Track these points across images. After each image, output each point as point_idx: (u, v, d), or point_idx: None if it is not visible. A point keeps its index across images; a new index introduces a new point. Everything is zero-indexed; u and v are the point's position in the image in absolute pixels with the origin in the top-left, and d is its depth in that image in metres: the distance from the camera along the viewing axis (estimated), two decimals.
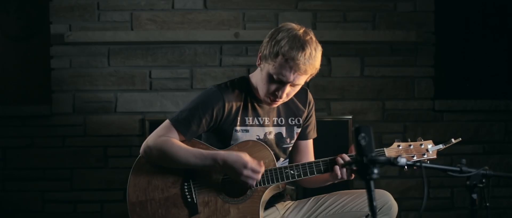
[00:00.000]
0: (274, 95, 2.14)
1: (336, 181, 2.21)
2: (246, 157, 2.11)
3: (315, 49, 2.09)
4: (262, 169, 2.13)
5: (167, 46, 3.47)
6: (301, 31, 2.10)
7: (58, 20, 3.46)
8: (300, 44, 2.05)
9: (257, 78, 2.21)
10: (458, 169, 1.67)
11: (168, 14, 3.48)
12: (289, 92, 2.15)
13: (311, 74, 2.14)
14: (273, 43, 2.09)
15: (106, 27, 3.46)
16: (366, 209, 2.20)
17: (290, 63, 2.05)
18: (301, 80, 2.12)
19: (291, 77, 2.08)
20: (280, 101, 2.19)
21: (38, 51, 3.61)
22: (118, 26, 3.46)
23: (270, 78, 2.11)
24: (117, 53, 3.46)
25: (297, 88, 2.19)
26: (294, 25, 2.13)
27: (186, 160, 2.14)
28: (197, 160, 2.13)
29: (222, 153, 2.13)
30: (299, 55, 2.04)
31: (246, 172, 2.10)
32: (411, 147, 2.21)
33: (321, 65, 3.42)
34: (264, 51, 2.13)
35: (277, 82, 2.11)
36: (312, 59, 2.08)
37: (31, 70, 3.64)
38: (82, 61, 3.46)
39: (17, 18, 3.62)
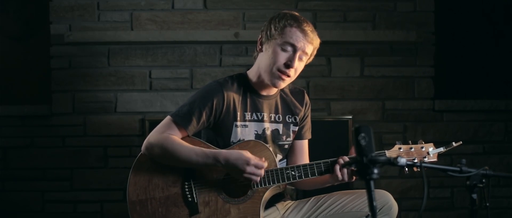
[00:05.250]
0: (285, 66, 2.17)
1: (336, 183, 2.21)
2: (247, 154, 2.12)
3: (312, 27, 2.24)
4: (265, 165, 2.14)
5: (167, 46, 3.47)
6: (297, 13, 2.26)
7: (58, 20, 3.46)
8: (302, 19, 2.23)
9: (260, 64, 2.24)
10: (458, 169, 1.68)
11: (168, 14, 3.48)
12: (297, 67, 2.19)
13: (314, 49, 2.23)
14: (277, 21, 2.21)
15: (106, 27, 3.46)
16: (366, 209, 2.21)
17: (299, 29, 2.18)
18: (308, 50, 2.20)
19: (302, 43, 2.17)
20: (289, 75, 2.20)
21: (38, 51, 3.61)
22: (118, 26, 3.46)
23: (280, 49, 2.18)
24: (117, 53, 3.47)
25: (302, 65, 2.23)
26: (287, 11, 2.29)
27: (188, 158, 2.14)
28: (198, 157, 2.14)
29: (223, 152, 2.14)
30: (305, 25, 2.20)
31: (249, 169, 2.10)
32: (412, 149, 2.21)
33: (321, 65, 3.46)
34: (267, 32, 2.22)
35: (288, 50, 2.17)
36: (315, 33, 2.22)
37: (31, 70, 3.64)
38: (82, 61, 3.46)
39: (17, 18, 3.62)
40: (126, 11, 3.47)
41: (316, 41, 2.21)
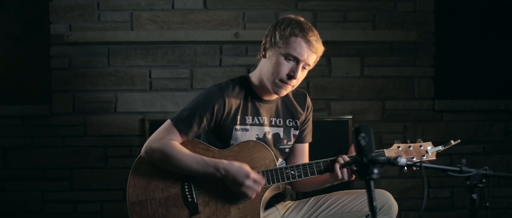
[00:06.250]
0: (288, 77, 2.16)
1: (335, 183, 2.21)
2: (247, 168, 2.12)
3: (317, 35, 2.20)
4: (263, 182, 2.14)
5: (167, 46, 3.47)
6: (302, 19, 2.22)
7: (58, 20, 3.46)
8: (308, 27, 2.18)
9: (262, 70, 2.23)
10: (458, 169, 1.68)
11: (168, 14, 3.48)
12: (299, 77, 2.18)
13: (317, 57, 2.20)
14: (282, 28, 2.17)
15: (106, 27, 3.46)
16: (366, 209, 2.20)
17: (304, 40, 2.14)
18: (311, 60, 2.17)
19: (305, 55, 2.14)
20: (291, 85, 2.19)
21: (38, 51, 3.61)
22: (118, 26, 3.46)
23: (284, 59, 2.15)
24: (117, 53, 3.47)
25: (305, 73, 2.22)
26: (292, 16, 2.23)
27: (188, 166, 2.14)
28: (199, 166, 2.14)
29: (224, 163, 2.13)
30: (310, 34, 2.15)
31: (248, 182, 2.10)
32: (411, 148, 2.21)
33: (321, 65, 3.46)
34: (272, 39, 2.19)
35: (291, 61, 2.15)
36: (319, 41, 2.19)
37: (31, 70, 3.64)
38: (82, 61, 3.46)
39: (17, 18, 3.62)
40: (126, 11, 3.47)
41: (320, 50, 2.19)
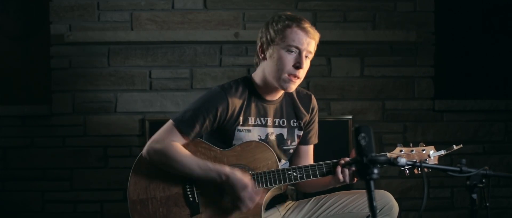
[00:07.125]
0: (295, 68, 2.15)
1: (338, 185, 2.21)
2: (248, 182, 2.11)
3: (309, 22, 2.21)
4: (257, 199, 2.13)
5: (167, 46, 3.47)
6: (290, 12, 2.23)
7: (58, 20, 3.46)
8: (299, 17, 2.20)
9: (266, 71, 2.22)
10: (458, 169, 1.68)
11: (168, 14, 3.48)
12: (304, 67, 2.17)
13: (316, 43, 2.20)
14: (274, 24, 2.19)
15: (106, 27, 3.46)
16: (367, 210, 2.20)
17: (299, 28, 2.15)
18: (312, 47, 2.18)
19: (305, 43, 2.15)
20: (299, 76, 2.17)
21: (38, 51, 3.61)
22: (118, 26, 3.46)
23: (285, 52, 2.15)
24: (117, 53, 3.46)
25: (308, 63, 2.21)
26: (281, 13, 2.25)
27: (190, 170, 2.14)
28: (200, 171, 2.13)
29: (227, 170, 2.12)
30: (303, 22, 2.17)
31: (243, 196, 2.10)
32: (413, 152, 2.20)
33: (321, 65, 3.46)
34: (267, 38, 2.20)
35: (293, 52, 2.15)
36: (313, 27, 2.20)
37: (31, 70, 3.64)
38: (82, 61, 3.46)
39: (17, 18, 3.62)
40: (126, 11, 3.47)
41: (317, 36, 2.20)
